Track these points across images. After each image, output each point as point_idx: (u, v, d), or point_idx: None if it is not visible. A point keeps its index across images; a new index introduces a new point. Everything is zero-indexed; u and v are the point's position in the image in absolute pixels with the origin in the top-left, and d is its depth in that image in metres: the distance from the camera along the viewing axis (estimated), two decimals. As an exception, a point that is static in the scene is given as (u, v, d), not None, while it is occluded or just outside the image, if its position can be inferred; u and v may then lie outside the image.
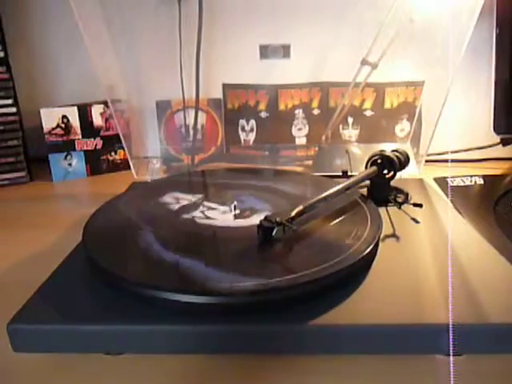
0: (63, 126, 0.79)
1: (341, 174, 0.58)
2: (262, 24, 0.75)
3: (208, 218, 0.47)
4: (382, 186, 0.55)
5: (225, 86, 0.80)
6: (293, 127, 0.81)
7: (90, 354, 0.35)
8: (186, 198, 0.53)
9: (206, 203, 0.51)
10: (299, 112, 0.80)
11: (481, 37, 0.77)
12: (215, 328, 0.33)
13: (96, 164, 0.83)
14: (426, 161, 0.70)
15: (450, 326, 0.31)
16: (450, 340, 0.32)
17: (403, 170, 0.57)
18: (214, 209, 0.50)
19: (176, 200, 0.53)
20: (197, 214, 0.48)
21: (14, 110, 0.77)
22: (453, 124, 0.79)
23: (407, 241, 0.45)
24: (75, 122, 0.80)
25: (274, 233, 0.40)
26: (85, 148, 0.82)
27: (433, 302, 0.34)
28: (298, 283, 0.35)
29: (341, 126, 0.79)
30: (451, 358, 0.33)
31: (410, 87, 0.77)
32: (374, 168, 0.55)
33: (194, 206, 0.50)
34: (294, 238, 0.42)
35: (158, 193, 0.56)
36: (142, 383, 0.33)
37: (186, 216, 0.48)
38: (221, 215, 0.48)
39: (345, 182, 0.50)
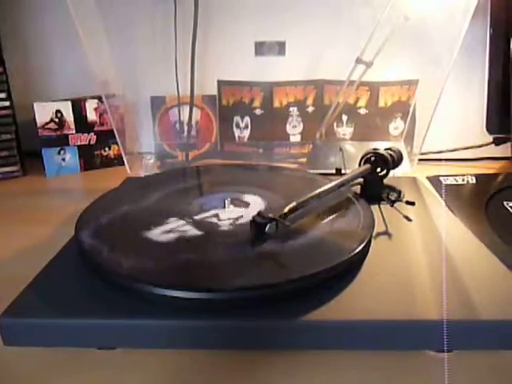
0: (57, 120, 0.79)
1: (334, 171, 0.58)
2: (257, 21, 0.75)
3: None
4: (375, 183, 0.56)
5: (220, 82, 0.80)
6: (287, 124, 0.81)
7: (82, 348, 0.35)
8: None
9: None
10: (294, 109, 0.80)
11: (475, 37, 0.78)
12: (207, 324, 0.33)
13: (90, 159, 0.83)
14: (419, 159, 0.71)
15: (442, 322, 0.32)
16: (442, 336, 0.32)
17: (396, 169, 0.58)
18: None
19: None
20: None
21: (7, 103, 0.76)
22: (446, 123, 0.80)
23: (399, 238, 0.45)
24: (69, 116, 0.79)
25: (266, 229, 0.41)
26: (78, 143, 0.81)
27: (424, 299, 0.35)
28: (290, 279, 0.35)
29: (335, 124, 0.80)
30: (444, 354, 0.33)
31: (404, 86, 0.77)
32: (368, 166, 0.55)
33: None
34: (287, 235, 0.42)
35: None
36: (135, 378, 0.33)
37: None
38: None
39: (338, 180, 0.50)
